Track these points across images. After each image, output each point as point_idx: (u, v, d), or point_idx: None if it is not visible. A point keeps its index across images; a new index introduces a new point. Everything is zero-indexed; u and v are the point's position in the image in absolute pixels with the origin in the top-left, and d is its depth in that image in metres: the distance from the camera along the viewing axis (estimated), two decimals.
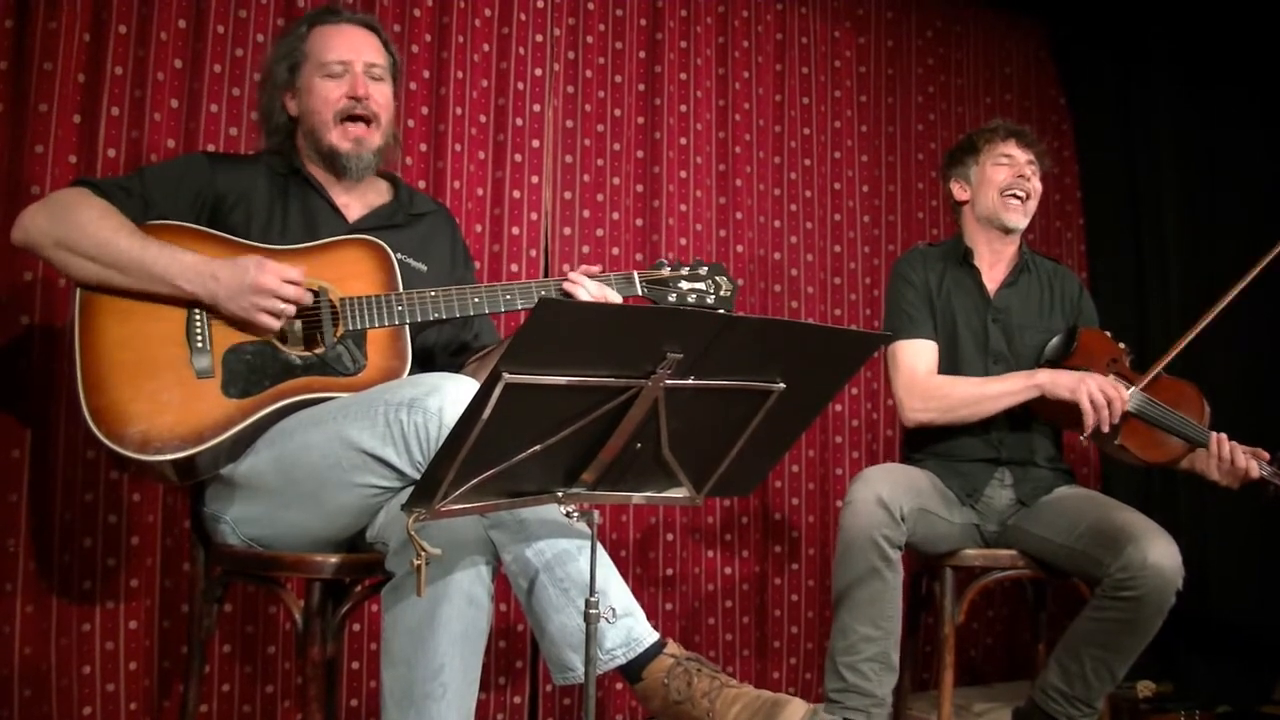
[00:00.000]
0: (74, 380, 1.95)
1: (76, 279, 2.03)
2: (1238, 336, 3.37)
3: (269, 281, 1.99)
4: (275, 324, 2.02)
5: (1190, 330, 2.70)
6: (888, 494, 2.51)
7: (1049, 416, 2.74)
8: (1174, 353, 2.68)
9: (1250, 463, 2.58)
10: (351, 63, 2.24)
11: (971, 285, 2.88)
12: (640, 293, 2.22)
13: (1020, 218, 2.87)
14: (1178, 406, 2.65)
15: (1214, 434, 2.61)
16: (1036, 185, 2.89)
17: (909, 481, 2.63)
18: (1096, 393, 2.57)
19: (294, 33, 2.29)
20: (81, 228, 2.00)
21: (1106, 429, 2.58)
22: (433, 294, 2.12)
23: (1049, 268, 2.98)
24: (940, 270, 2.90)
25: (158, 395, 1.97)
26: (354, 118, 2.23)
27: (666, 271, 2.26)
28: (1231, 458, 2.59)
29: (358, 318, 2.09)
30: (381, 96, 2.28)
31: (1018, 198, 2.85)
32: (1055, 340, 2.81)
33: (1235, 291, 2.67)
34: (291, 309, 2.02)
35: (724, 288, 2.27)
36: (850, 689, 2.49)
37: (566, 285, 2.16)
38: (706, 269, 2.28)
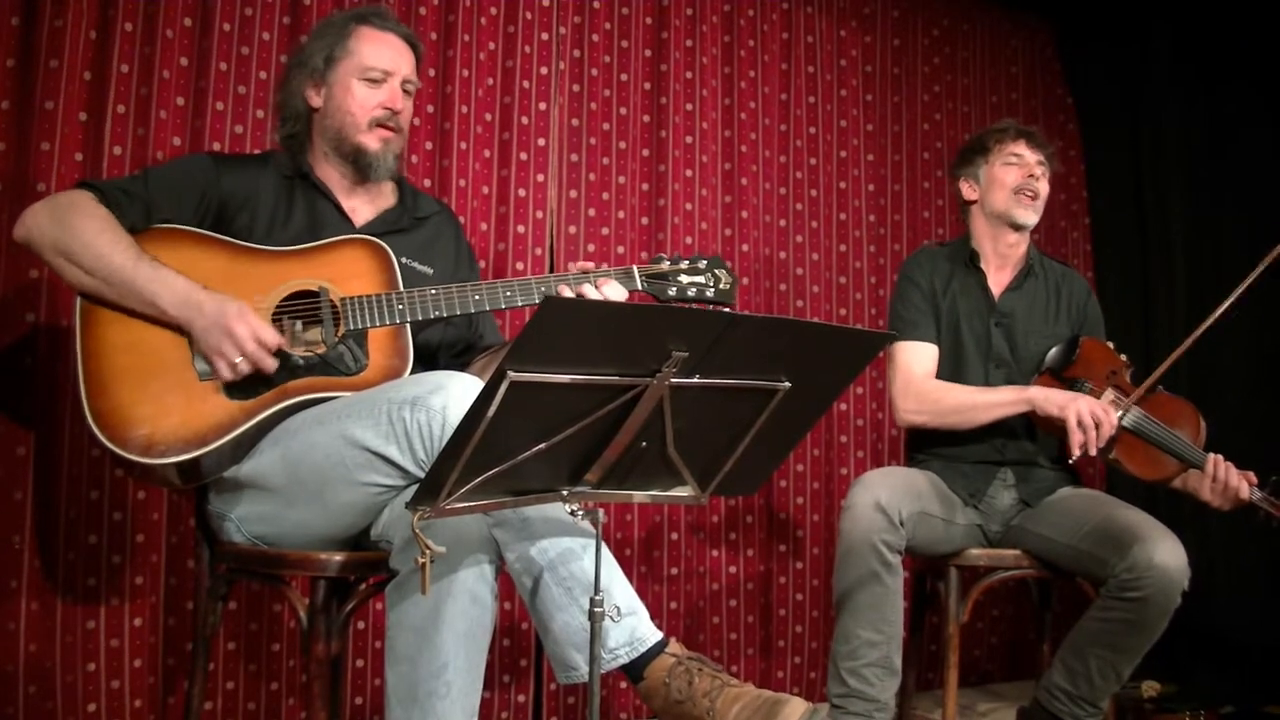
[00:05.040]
0: (78, 385, 1.96)
1: (71, 286, 2.03)
2: (1241, 345, 3.37)
3: (240, 331, 1.97)
4: (226, 374, 1.99)
5: (1183, 344, 2.67)
6: (886, 498, 2.50)
7: (1045, 426, 2.73)
8: (1166, 365, 2.65)
9: (1242, 484, 2.57)
10: (393, 74, 2.25)
11: (976, 288, 2.88)
12: (640, 287, 2.22)
13: (1031, 215, 2.86)
14: (1174, 425, 2.64)
15: (1210, 455, 2.60)
16: (1045, 187, 2.89)
17: (908, 485, 2.62)
18: (1086, 414, 2.56)
19: (339, 25, 2.27)
20: (80, 238, 1.99)
21: (1093, 452, 2.57)
22: (433, 292, 2.12)
23: (1058, 271, 2.97)
24: (946, 272, 2.89)
25: (161, 398, 1.97)
26: (384, 126, 2.25)
27: (666, 266, 2.25)
28: (1226, 479, 2.58)
29: (358, 317, 2.09)
30: (409, 112, 2.31)
31: (1029, 195, 2.85)
32: (1057, 349, 2.79)
33: (1228, 303, 2.65)
34: (248, 368, 1.99)
35: (723, 280, 2.27)
36: (852, 694, 2.49)
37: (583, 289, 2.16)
38: (705, 262, 2.27)
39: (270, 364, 2.01)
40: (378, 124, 2.24)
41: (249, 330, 1.97)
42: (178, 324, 2.00)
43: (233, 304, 1.99)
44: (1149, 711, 3.32)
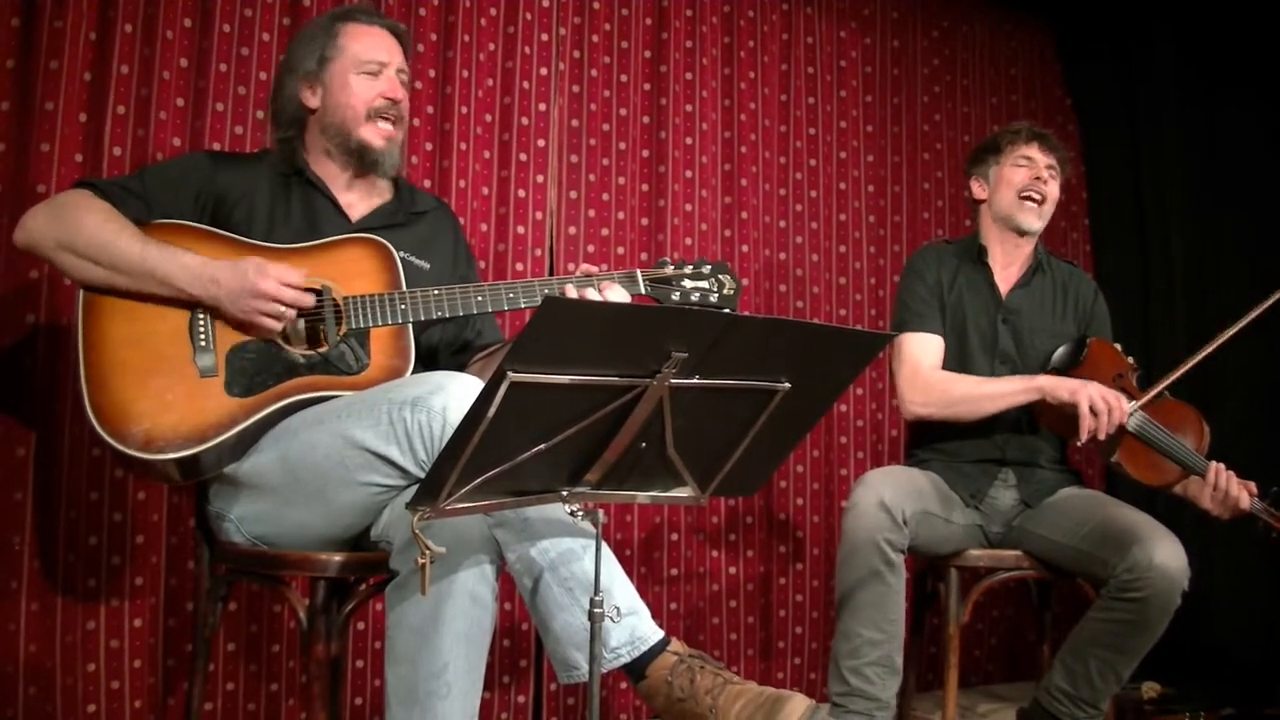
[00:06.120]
0: (78, 379, 1.96)
1: (79, 281, 2.03)
2: (1245, 354, 3.35)
3: (268, 286, 1.99)
4: (276, 327, 2.02)
5: (1195, 354, 2.68)
6: (890, 497, 2.51)
7: (1049, 423, 2.73)
8: (1178, 374, 2.66)
9: (1242, 494, 2.57)
10: (387, 65, 2.26)
11: (983, 285, 2.88)
12: (644, 291, 2.21)
13: (1035, 220, 2.86)
14: (1178, 431, 2.63)
15: (1212, 463, 2.59)
16: (1054, 190, 2.89)
17: (911, 484, 2.62)
18: (1098, 399, 2.56)
19: (325, 26, 2.28)
20: (83, 230, 2.00)
21: (1103, 437, 2.57)
22: (435, 292, 2.12)
23: (1065, 270, 2.97)
24: (954, 268, 2.89)
25: (161, 394, 1.97)
26: (385, 117, 2.25)
27: (670, 270, 2.25)
28: (1226, 488, 2.57)
29: (361, 316, 2.09)
30: (407, 103, 2.32)
31: (1034, 199, 2.85)
32: (1064, 348, 2.79)
33: (1247, 320, 2.65)
34: (292, 313, 2.02)
35: (727, 286, 2.26)
36: (854, 692, 2.48)
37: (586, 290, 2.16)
38: (710, 267, 2.27)
39: (308, 300, 2.03)
40: (378, 115, 2.24)
41: (275, 280, 1.99)
42: (196, 300, 2.01)
43: (246, 262, 2.01)
44: (1149, 713, 3.32)
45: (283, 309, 2.01)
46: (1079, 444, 2.62)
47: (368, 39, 2.26)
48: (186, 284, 2.00)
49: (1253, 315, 2.66)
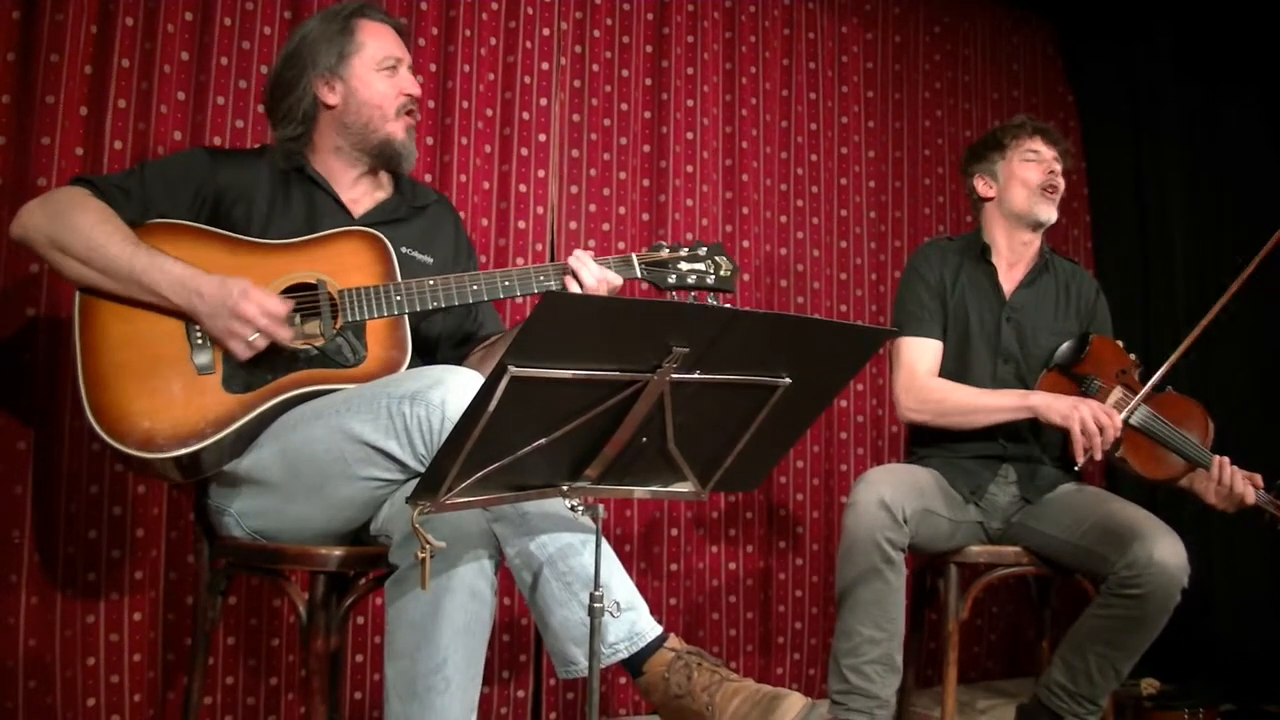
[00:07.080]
0: (76, 379, 1.95)
1: (70, 280, 2.03)
2: (1243, 346, 3.36)
3: (250, 310, 1.97)
4: (246, 353, 1.99)
5: (1188, 338, 2.68)
6: (890, 496, 2.50)
7: (1048, 422, 2.73)
8: (1173, 359, 2.65)
9: (1247, 488, 2.57)
10: (402, 60, 2.28)
11: (987, 283, 2.87)
12: (639, 275, 2.20)
13: (1053, 211, 2.87)
14: (1182, 425, 2.63)
15: (1216, 457, 2.59)
16: (1062, 183, 2.89)
17: (912, 482, 2.62)
18: (1089, 421, 2.55)
19: (340, 22, 2.26)
20: (76, 230, 1.99)
21: (1099, 457, 2.57)
22: (431, 283, 2.11)
23: (1068, 269, 2.96)
24: (956, 266, 2.88)
25: (160, 393, 1.97)
26: (408, 112, 2.29)
27: (665, 253, 2.23)
28: (1231, 483, 2.57)
29: (356, 309, 2.08)
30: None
31: (1050, 191, 2.85)
32: (1066, 345, 2.78)
33: (1229, 293, 2.65)
34: (264, 343, 2.00)
35: (724, 268, 2.25)
36: (854, 690, 2.49)
37: (571, 261, 2.14)
38: (706, 249, 2.25)
39: (286, 334, 2.01)
40: (403, 111, 2.27)
41: (257, 307, 1.97)
42: (179, 310, 2.00)
43: (233, 283, 1.99)
44: (1148, 709, 3.32)
45: (256, 336, 1.98)
46: (1075, 468, 2.61)
47: (384, 35, 2.28)
48: (171, 294, 1.99)
49: (1238, 281, 2.65)
